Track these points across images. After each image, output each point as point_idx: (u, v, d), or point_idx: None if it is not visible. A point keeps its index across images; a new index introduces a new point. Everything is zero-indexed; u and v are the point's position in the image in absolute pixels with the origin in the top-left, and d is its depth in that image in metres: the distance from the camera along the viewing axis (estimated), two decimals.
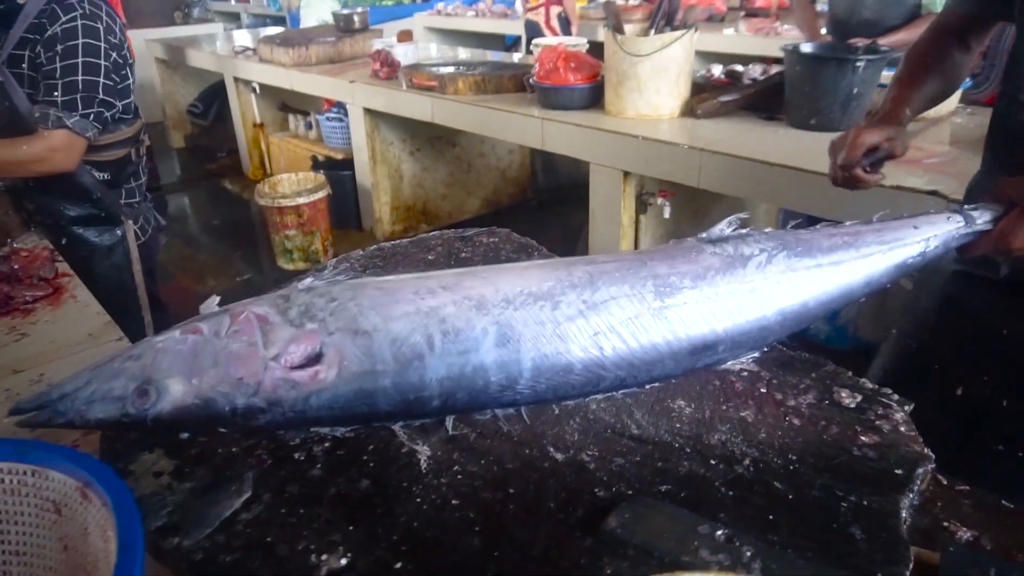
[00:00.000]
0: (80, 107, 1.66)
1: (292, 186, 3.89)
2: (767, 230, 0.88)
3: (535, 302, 0.73)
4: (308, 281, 0.82)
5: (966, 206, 0.92)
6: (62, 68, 1.63)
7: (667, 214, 2.60)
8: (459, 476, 0.68)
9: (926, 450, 0.70)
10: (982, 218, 0.90)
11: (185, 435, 0.74)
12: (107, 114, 1.74)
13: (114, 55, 1.71)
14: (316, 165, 4.34)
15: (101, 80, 1.68)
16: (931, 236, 0.87)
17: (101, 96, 1.70)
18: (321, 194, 3.78)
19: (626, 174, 2.56)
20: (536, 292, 0.74)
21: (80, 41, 1.64)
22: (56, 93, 1.63)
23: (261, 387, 0.67)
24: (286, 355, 0.68)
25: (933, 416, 0.79)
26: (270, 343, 0.69)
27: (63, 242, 1.73)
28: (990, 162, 1.14)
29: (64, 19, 1.62)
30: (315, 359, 0.68)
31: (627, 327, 0.74)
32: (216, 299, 0.77)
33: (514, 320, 0.71)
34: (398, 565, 0.58)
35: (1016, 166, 0.98)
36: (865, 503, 0.63)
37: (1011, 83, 1.08)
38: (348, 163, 4.16)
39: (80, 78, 1.64)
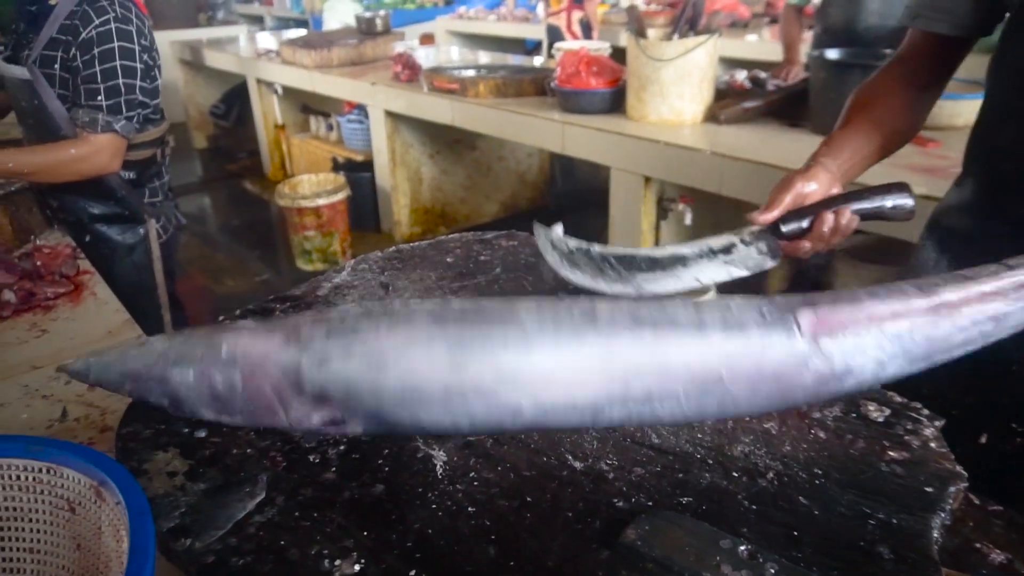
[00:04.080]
0: (125, 110, 1.69)
1: (312, 187, 3.92)
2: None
3: (575, 410, 0.61)
4: (318, 313, 0.68)
5: None
6: (102, 72, 1.65)
7: (688, 221, 2.58)
8: (475, 483, 0.67)
9: (958, 468, 0.67)
10: None
11: (202, 433, 0.73)
12: (143, 115, 1.77)
13: (146, 57, 1.73)
14: (336, 167, 4.36)
15: (138, 83, 1.71)
16: None
17: (140, 98, 1.72)
18: (341, 195, 3.79)
19: (647, 179, 2.55)
20: (578, 405, 0.61)
21: (116, 44, 1.65)
22: (100, 97, 1.66)
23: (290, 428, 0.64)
24: (308, 421, 0.63)
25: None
26: (289, 414, 0.63)
27: (86, 240, 1.75)
28: (973, 184, 1.00)
29: (97, 22, 1.63)
30: (339, 422, 0.63)
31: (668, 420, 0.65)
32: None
33: (547, 422, 0.63)
34: (411, 573, 0.57)
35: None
36: (894, 521, 0.61)
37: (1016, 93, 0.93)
38: (368, 165, 4.18)
39: (121, 82, 1.67)
